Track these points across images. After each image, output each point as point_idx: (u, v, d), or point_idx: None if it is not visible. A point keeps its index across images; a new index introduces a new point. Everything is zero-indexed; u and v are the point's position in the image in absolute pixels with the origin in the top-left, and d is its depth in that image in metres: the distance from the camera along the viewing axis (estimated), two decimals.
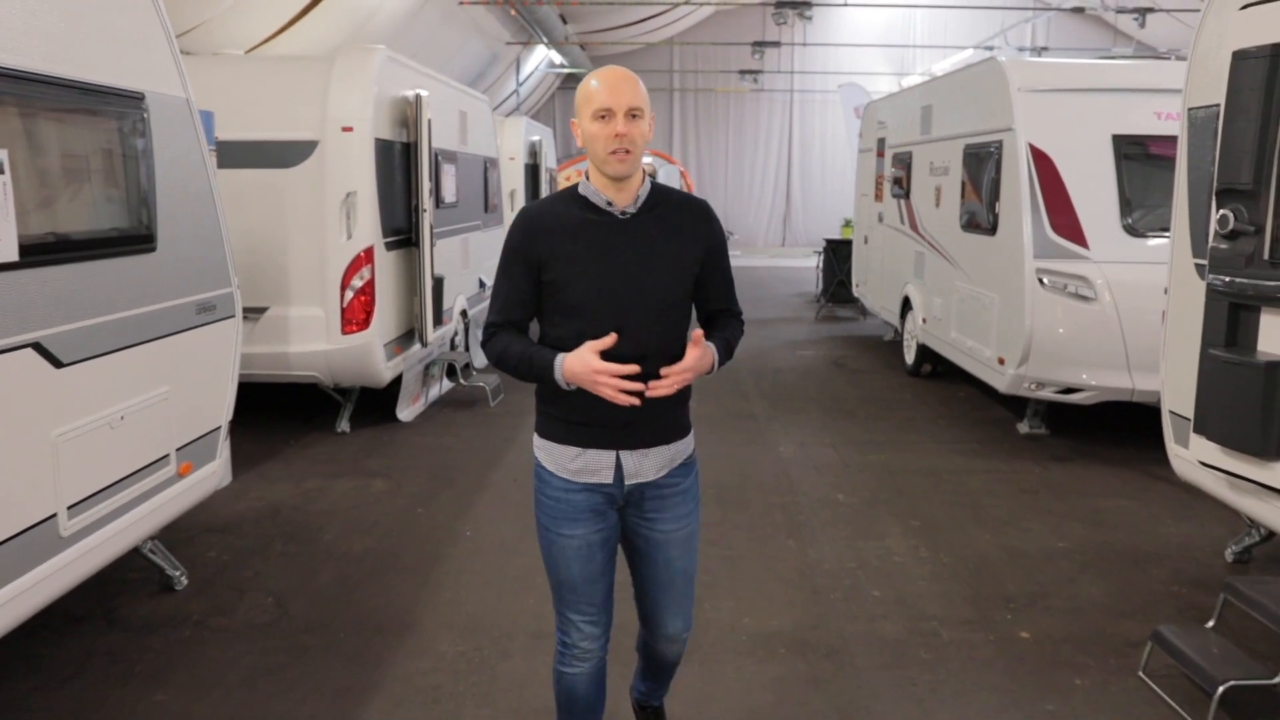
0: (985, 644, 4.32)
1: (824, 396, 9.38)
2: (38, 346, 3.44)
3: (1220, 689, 3.60)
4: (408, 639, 4.31)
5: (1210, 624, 4.20)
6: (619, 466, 2.74)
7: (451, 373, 9.74)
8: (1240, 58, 4.34)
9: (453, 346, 9.75)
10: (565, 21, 19.88)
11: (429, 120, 8.16)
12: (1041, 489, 6.51)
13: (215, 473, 4.84)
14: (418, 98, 8.08)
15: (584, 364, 2.53)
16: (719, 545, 5.45)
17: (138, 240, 4.07)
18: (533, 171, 15.35)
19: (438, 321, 8.62)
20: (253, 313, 7.35)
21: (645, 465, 2.76)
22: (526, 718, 3.73)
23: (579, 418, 2.70)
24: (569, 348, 2.60)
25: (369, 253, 7.44)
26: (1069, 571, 5.13)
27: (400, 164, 8.06)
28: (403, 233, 8.09)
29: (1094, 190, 7.31)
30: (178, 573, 4.81)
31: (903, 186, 10.67)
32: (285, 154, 7.39)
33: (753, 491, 6.43)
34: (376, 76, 7.49)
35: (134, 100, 4.04)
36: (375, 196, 7.44)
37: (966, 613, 4.63)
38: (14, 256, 3.28)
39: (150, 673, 3.99)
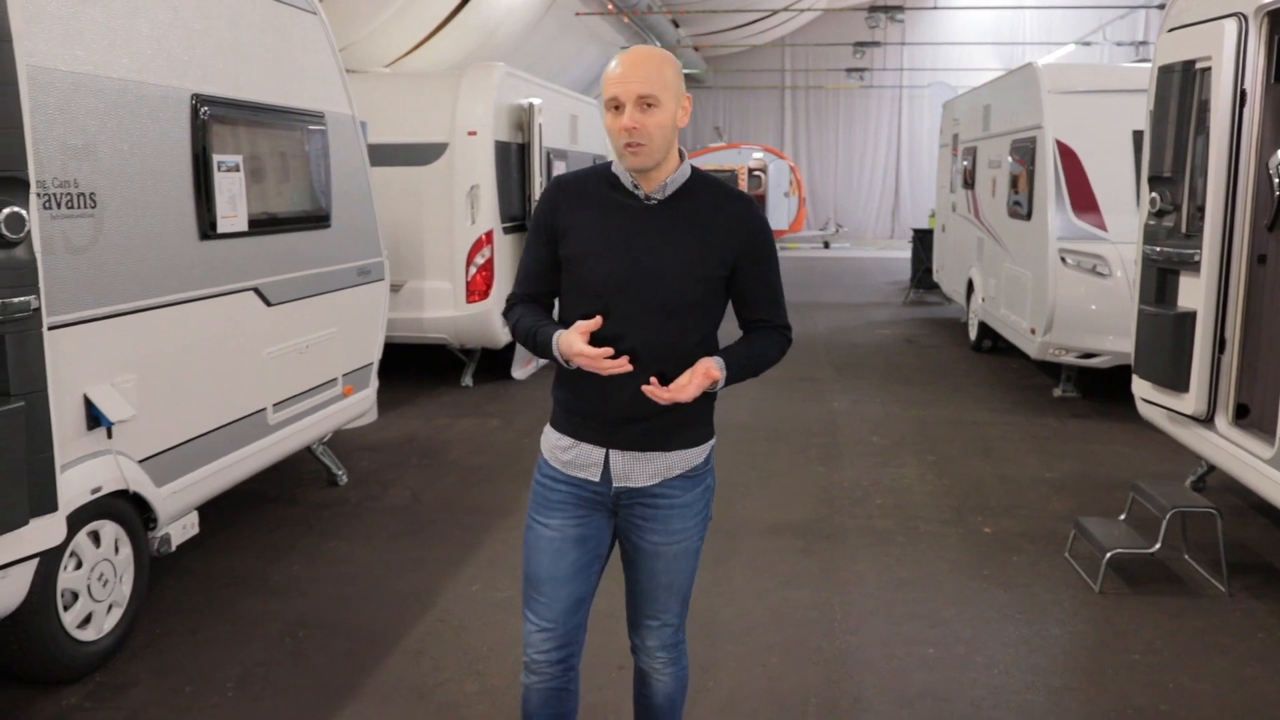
0: (953, 535, 5.52)
1: (887, 366, 10.53)
2: (256, 290, 4.98)
3: (1108, 555, 4.75)
4: (509, 519, 5.75)
5: (1122, 517, 5.31)
6: (607, 466, 2.55)
7: None
8: (1164, 71, 5.43)
9: None
10: (677, 26, 21.20)
11: (539, 124, 9.63)
12: (1052, 437, 7.59)
13: (368, 399, 6.36)
14: (530, 105, 9.57)
15: (568, 344, 2.41)
16: (759, 468, 6.76)
17: (320, 219, 5.60)
18: None
19: None
20: (394, 285, 8.94)
21: (635, 470, 2.54)
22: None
23: (577, 407, 2.56)
24: (602, 328, 2.46)
25: (489, 236, 8.95)
26: (1045, 492, 6.26)
27: (516, 161, 9.56)
28: (518, 219, 9.59)
29: (1114, 180, 8.32)
30: (340, 472, 6.36)
31: (969, 178, 11.71)
32: (422, 154, 8.96)
33: (799, 432, 7.70)
34: (496, 88, 9.00)
35: (318, 118, 5.57)
36: (495, 189, 8.95)
37: (947, 515, 5.83)
38: (244, 227, 4.82)
39: (324, 530, 5.53)
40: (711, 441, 2.67)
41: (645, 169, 2.43)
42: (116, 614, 4.06)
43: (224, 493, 4.94)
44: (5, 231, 3.12)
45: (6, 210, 3.13)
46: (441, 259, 8.99)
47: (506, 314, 2.66)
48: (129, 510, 4.10)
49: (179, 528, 4.46)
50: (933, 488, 6.35)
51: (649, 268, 2.45)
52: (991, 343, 11.09)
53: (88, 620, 3.90)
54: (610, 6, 17.22)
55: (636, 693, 2.86)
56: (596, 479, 2.57)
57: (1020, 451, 7.17)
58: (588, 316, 2.44)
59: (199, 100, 4.45)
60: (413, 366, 10.06)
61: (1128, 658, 4.13)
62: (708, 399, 2.58)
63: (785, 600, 4.65)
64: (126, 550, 4.11)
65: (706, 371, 2.42)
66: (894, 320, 13.95)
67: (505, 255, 9.25)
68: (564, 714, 2.69)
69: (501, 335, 9.19)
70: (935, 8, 21.79)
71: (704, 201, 2.51)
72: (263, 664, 4.03)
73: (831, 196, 30.16)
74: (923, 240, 16.25)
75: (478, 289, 9.01)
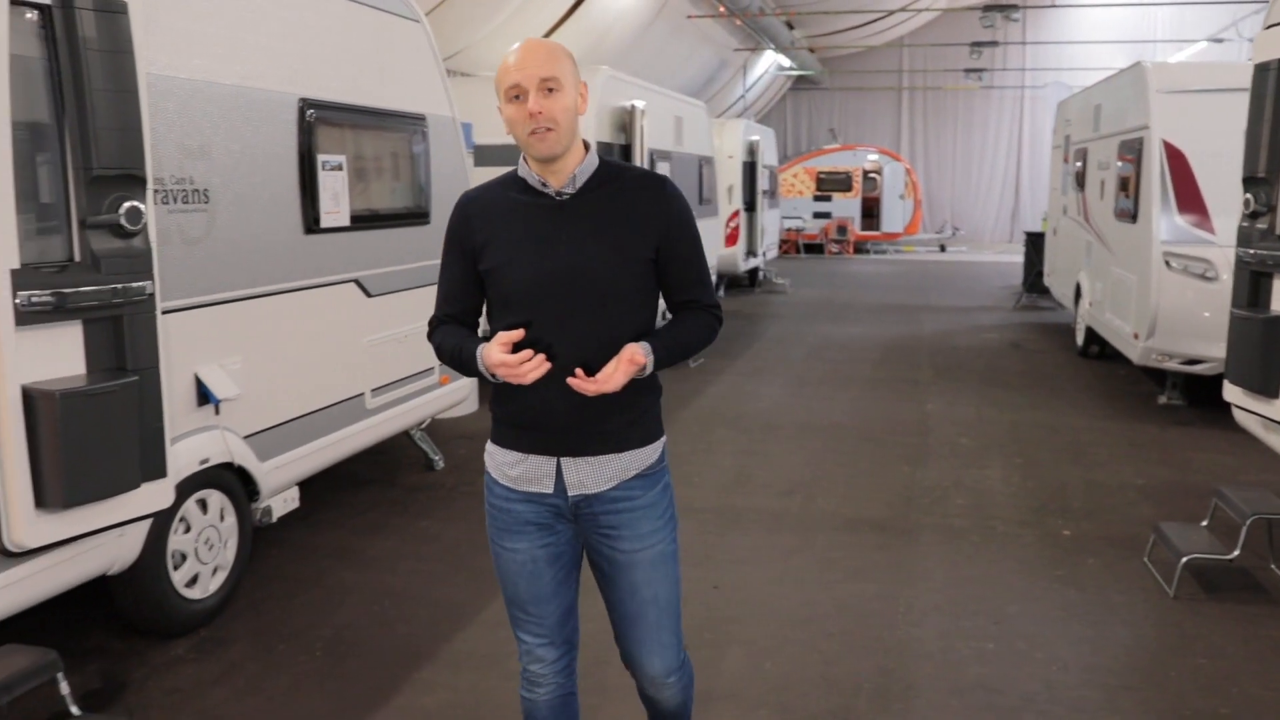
0: (1029, 536, 5.52)
1: (987, 369, 10.42)
2: (357, 282, 5.31)
3: (1184, 559, 4.71)
4: None
5: (1204, 523, 5.23)
6: (559, 475, 2.47)
7: None
8: (1260, 69, 5.33)
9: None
10: (791, 28, 21.21)
11: (641, 126, 9.85)
12: (1149, 444, 7.45)
13: (464, 388, 6.66)
14: (633, 107, 9.80)
15: (487, 356, 2.34)
16: (845, 465, 6.83)
17: (420, 216, 5.91)
18: (750, 169, 16.87)
19: None
20: None
21: (589, 475, 2.47)
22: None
23: (519, 420, 2.47)
24: (532, 333, 2.39)
25: None
26: (1131, 498, 6.18)
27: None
28: None
29: (1224, 182, 8.07)
30: (437, 457, 6.68)
31: (1079, 180, 11.49)
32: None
33: (889, 432, 7.73)
34: (600, 91, 9.25)
35: (419, 120, 5.88)
36: None
37: (1026, 517, 5.82)
38: (347, 223, 5.15)
39: (417, 511, 5.84)
40: (663, 439, 2.59)
41: (555, 155, 2.35)
42: (221, 576, 4.41)
43: (324, 471, 5.29)
44: (125, 223, 3.47)
45: (126, 204, 3.48)
46: None
47: (430, 337, 2.60)
48: (234, 482, 4.45)
49: (280, 501, 4.81)
50: (1015, 490, 6.33)
51: (571, 264, 2.38)
52: (1099, 349, 10.86)
53: (195, 580, 4.26)
54: (722, 9, 17.36)
55: (645, 706, 2.76)
56: (550, 490, 2.48)
57: (1113, 457, 7.07)
58: (513, 326, 2.38)
59: (306, 104, 4.79)
60: None
61: (1193, 661, 4.11)
62: (652, 395, 2.53)
63: (851, 592, 4.75)
64: (231, 518, 4.46)
65: (631, 358, 2.33)
66: (1001, 325, 13.74)
67: None
68: (571, 717, 2.68)
69: None
70: (1054, 6, 21.28)
71: (617, 187, 2.45)
72: (350, 628, 4.33)
73: (948, 199, 29.68)
74: (1035, 244, 15.94)
75: None
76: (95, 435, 3.34)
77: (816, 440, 7.53)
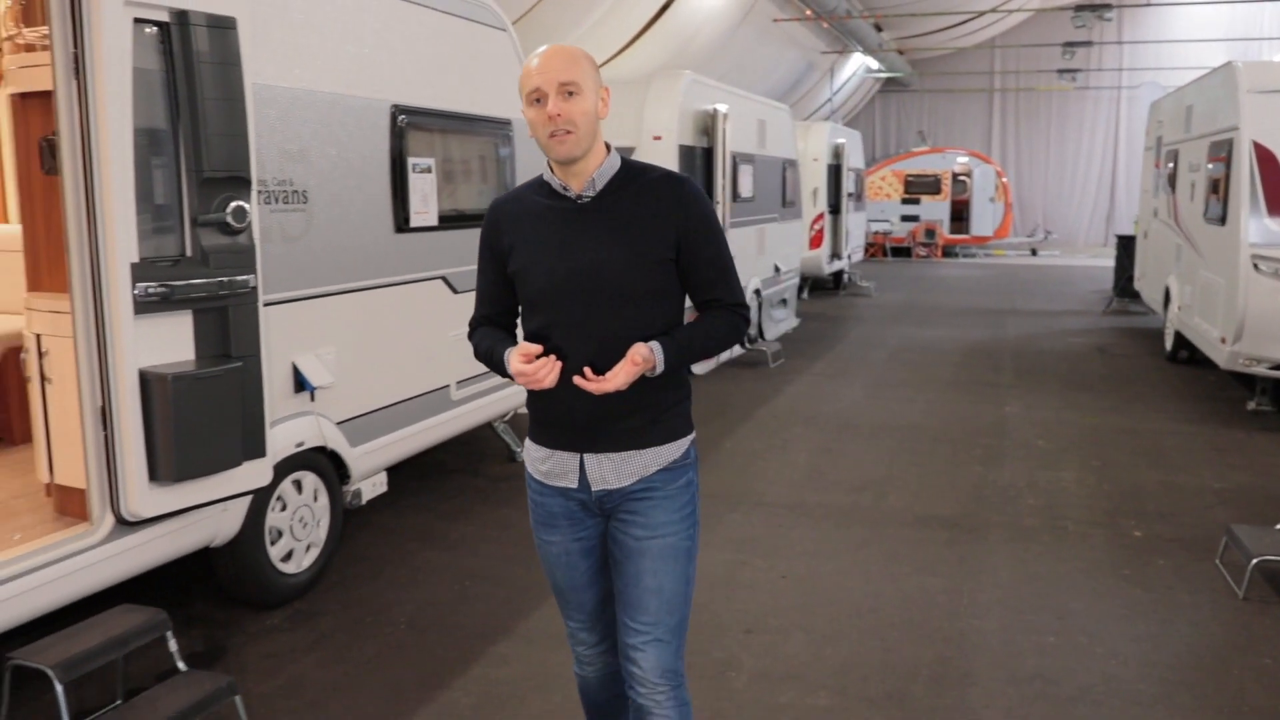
0: (1100, 536, 5.54)
1: (1071, 373, 10.33)
2: (444, 279, 5.57)
3: (1254, 561, 4.70)
4: None
5: (1279, 526, 5.19)
6: (583, 471, 2.52)
7: (748, 340, 11.59)
8: None
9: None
10: (879, 30, 21.13)
11: (724, 129, 10.00)
12: (1232, 449, 7.36)
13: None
14: (716, 111, 9.95)
15: (509, 364, 2.45)
16: (919, 465, 6.90)
17: None
18: (835, 172, 16.88)
19: None
20: None
21: (610, 472, 2.50)
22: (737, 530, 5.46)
23: (546, 417, 2.55)
24: (554, 336, 2.47)
25: None
26: (1209, 501, 6.14)
27: (701, 164, 9.97)
28: None
29: None
30: (519, 449, 6.93)
31: (1170, 182, 11.30)
32: None
33: (966, 433, 7.76)
34: (682, 95, 9.44)
35: (504, 125, 6.13)
36: None
37: (1098, 518, 5.83)
38: (435, 222, 5.42)
39: (499, 499, 6.09)
40: (690, 436, 2.60)
41: (574, 157, 2.40)
42: (314, 553, 4.70)
43: (411, 458, 5.56)
44: (231, 222, 3.76)
45: (233, 204, 3.77)
46: None
47: (470, 338, 2.67)
48: (327, 465, 4.74)
49: (370, 485, 5.09)
50: (1090, 491, 6.33)
51: (589, 266, 2.42)
52: (1188, 354, 10.67)
53: (289, 556, 4.55)
54: (808, 13, 17.40)
55: None
56: (575, 485, 2.53)
57: (1193, 461, 7.00)
58: (539, 327, 2.47)
59: (397, 110, 5.06)
60: None
61: (1257, 661, 4.12)
62: (674, 393, 2.53)
63: (917, 585, 4.85)
64: (324, 499, 4.75)
65: (634, 357, 2.35)
66: (1089, 329, 13.55)
67: None
68: (622, 693, 2.73)
69: None
70: (1151, 4, 20.81)
71: (636, 188, 2.47)
72: (432, 605, 4.58)
73: (1041, 202, 29.19)
74: (1127, 247, 15.65)
75: None
76: (202, 416, 3.63)
77: (892, 440, 7.60)
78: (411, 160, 5.19)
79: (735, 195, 10.76)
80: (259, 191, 4.09)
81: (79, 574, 3.52)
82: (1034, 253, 27.24)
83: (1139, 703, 3.77)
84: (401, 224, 5.15)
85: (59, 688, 3.13)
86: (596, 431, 2.48)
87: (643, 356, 2.36)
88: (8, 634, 3.43)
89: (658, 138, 9.29)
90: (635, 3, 12.76)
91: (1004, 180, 26.07)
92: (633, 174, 2.49)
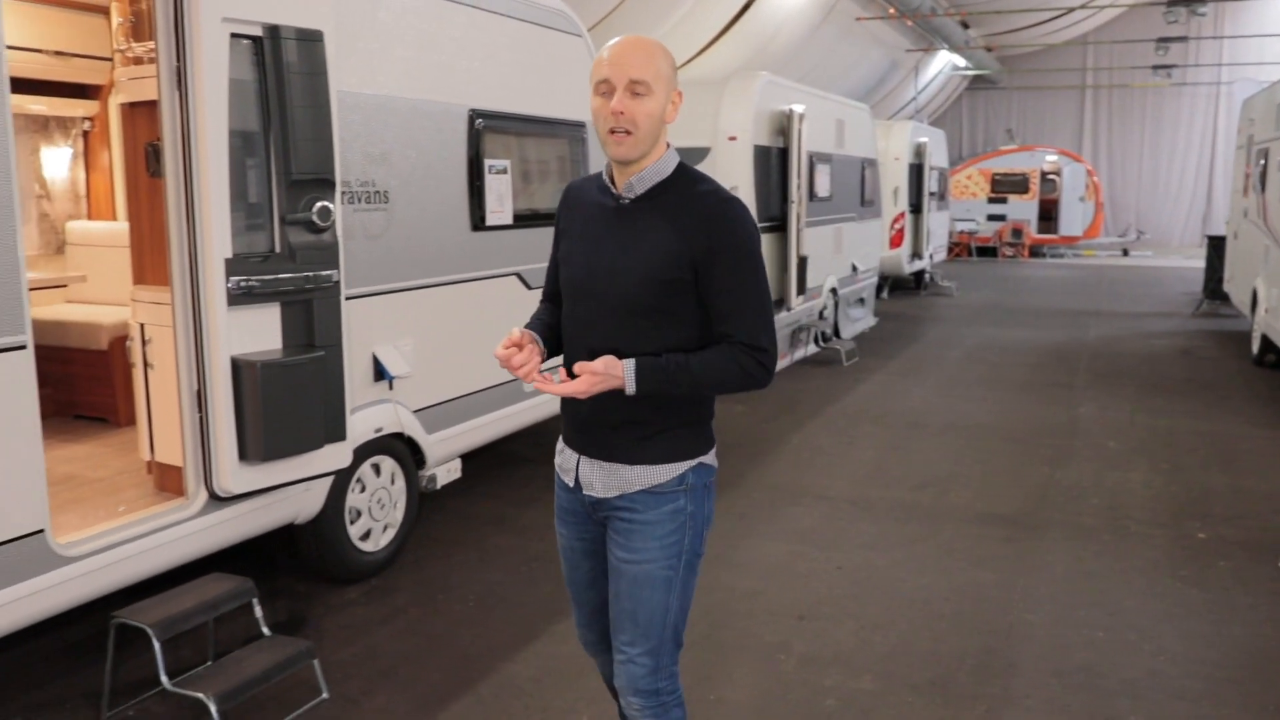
0: (1161, 537, 5.55)
1: (1150, 375, 10.20)
2: (518, 275, 5.82)
3: None
4: (729, 491, 6.32)
5: None
6: (578, 472, 2.52)
7: (822, 338, 11.67)
8: None
9: (821, 317, 11.66)
10: (966, 27, 20.92)
11: (799, 130, 10.10)
12: None
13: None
14: (791, 111, 10.06)
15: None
16: (984, 464, 6.96)
17: None
18: (917, 171, 16.80)
19: (801, 292, 10.55)
20: None
21: (597, 479, 2.47)
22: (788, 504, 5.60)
23: (564, 411, 2.56)
24: (566, 331, 2.50)
25: None
26: (1278, 506, 6.09)
27: (777, 165, 10.10)
28: (776, 219, 10.12)
29: None
30: None
31: (1260, 182, 11.06)
32: (687, 158, 9.63)
33: (1035, 434, 7.77)
34: (758, 96, 9.57)
35: (579, 127, 6.36)
36: (753, 191, 9.52)
37: (1162, 519, 5.84)
38: (510, 221, 5.67)
39: None
40: (689, 462, 2.46)
41: (629, 159, 2.32)
42: (390, 533, 4.98)
43: (486, 446, 5.83)
44: (316, 220, 4.04)
45: (318, 204, 4.05)
46: None
47: None
48: (404, 450, 5.01)
49: (444, 471, 5.35)
50: (1156, 493, 6.32)
51: (606, 269, 2.38)
52: (1275, 357, 10.47)
53: (368, 535, 4.84)
54: (892, 11, 17.34)
55: None
56: (571, 484, 2.54)
57: (1267, 466, 6.93)
58: (562, 318, 2.50)
59: (475, 114, 5.32)
60: None
61: None
62: (671, 418, 2.42)
63: (969, 579, 4.94)
64: (400, 483, 5.03)
65: (593, 365, 2.27)
66: (1175, 331, 13.31)
67: (763, 253, 9.79)
68: None
69: None
70: None
71: (677, 199, 2.35)
72: (500, 585, 4.83)
73: (1134, 201, 28.53)
74: (1218, 248, 15.30)
75: None
76: (287, 401, 3.92)
77: (959, 439, 7.65)
78: (488, 162, 5.44)
79: (812, 195, 10.87)
80: (343, 192, 4.37)
81: (175, 544, 3.84)
82: (1125, 253, 26.66)
83: (1183, 698, 3.83)
84: (478, 222, 5.41)
85: (156, 645, 3.43)
86: (590, 436, 2.46)
87: (605, 368, 2.27)
88: (112, 596, 3.76)
89: (733, 138, 9.44)
90: (715, 4, 12.91)
91: (1095, 179, 25.57)
92: (681, 184, 2.38)
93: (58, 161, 5.92)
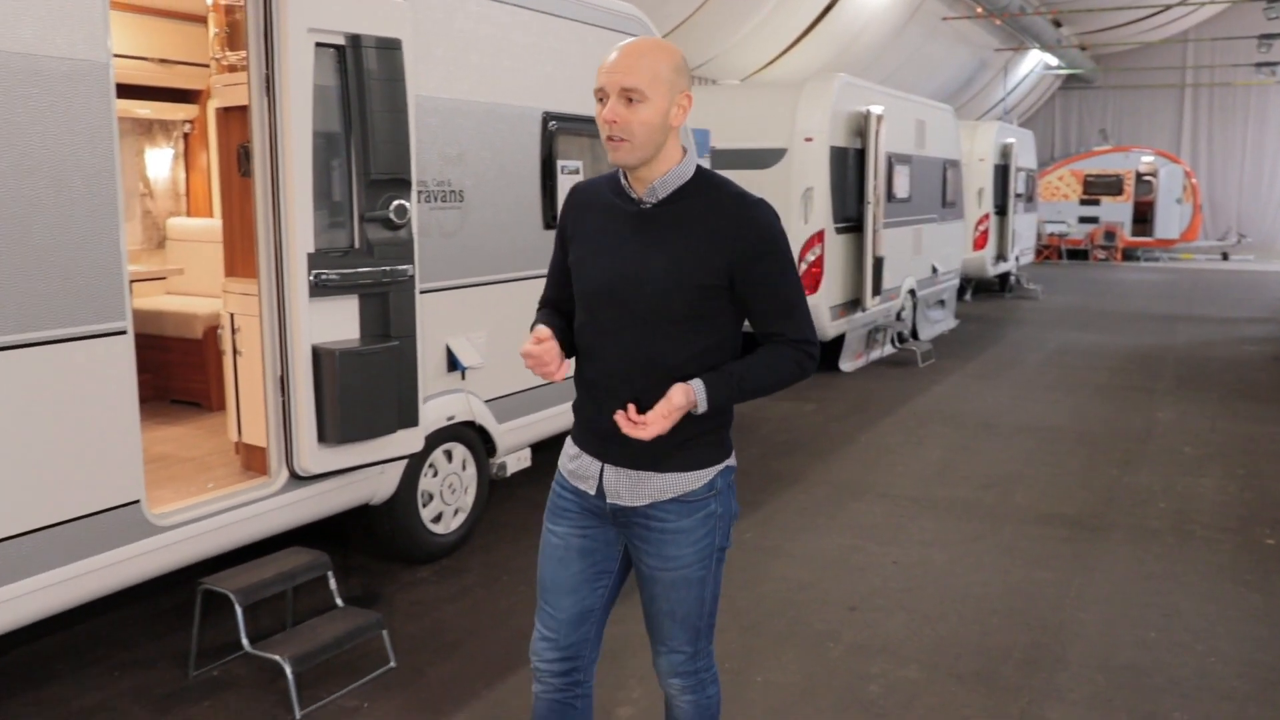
0: (1228, 542, 5.51)
1: (1237, 382, 10.00)
2: None
3: None
4: (795, 486, 6.44)
5: None
6: (602, 481, 2.45)
7: (899, 339, 11.67)
8: None
9: (898, 318, 11.65)
10: (1059, 25, 20.57)
11: (876, 131, 10.13)
12: None
13: None
14: (869, 112, 10.10)
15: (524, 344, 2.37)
16: (1053, 465, 6.95)
17: None
18: (1002, 172, 16.61)
19: (877, 293, 10.57)
20: None
21: (625, 488, 2.42)
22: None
23: (580, 417, 2.50)
24: (579, 340, 2.47)
25: (820, 235, 9.61)
26: None
27: (854, 166, 10.15)
28: (853, 220, 10.17)
29: None
30: None
31: None
32: (763, 158, 9.79)
33: (1109, 437, 7.72)
34: (835, 98, 9.64)
35: None
36: (828, 191, 9.60)
37: (1230, 524, 5.79)
38: None
39: None
40: (717, 467, 2.46)
41: (628, 165, 2.31)
42: (461, 517, 5.22)
43: (555, 437, 6.03)
44: (393, 218, 4.28)
45: (395, 202, 4.29)
46: None
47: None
48: (475, 438, 5.24)
49: (515, 459, 5.57)
50: (1228, 499, 6.26)
51: (631, 276, 2.33)
52: None
53: (439, 518, 5.08)
54: (979, 10, 17.16)
55: (669, 714, 2.72)
56: (593, 492, 2.46)
57: None
58: (580, 325, 2.43)
59: (548, 116, 5.53)
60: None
61: None
62: (704, 423, 2.39)
63: (1026, 577, 4.99)
64: (471, 469, 5.26)
65: (671, 398, 2.27)
66: (1268, 338, 12.97)
67: (836, 254, 9.87)
68: None
69: (829, 329, 9.83)
70: None
71: (699, 204, 2.34)
72: None
73: (1234, 204, 27.69)
74: None
75: (808, 284, 9.69)
76: (363, 387, 4.17)
77: (1030, 440, 7.63)
78: (560, 162, 5.64)
79: (890, 196, 10.89)
80: (420, 191, 4.61)
81: (257, 519, 4.11)
82: (1225, 257, 25.91)
83: (1230, 698, 3.85)
84: (550, 221, 5.61)
85: (239, 610, 3.71)
86: (619, 444, 2.38)
87: (683, 400, 2.28)
88: (199, 565, 4.05)
89: (809, 139, 9.52)
90: (796, 6, 12.98)
91: (1193, 180, 24.91)
92: (704, 187, 2.37)
93: (160, 162, 6.31)
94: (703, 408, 2.31)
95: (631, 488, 2.42)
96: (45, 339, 3.31)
